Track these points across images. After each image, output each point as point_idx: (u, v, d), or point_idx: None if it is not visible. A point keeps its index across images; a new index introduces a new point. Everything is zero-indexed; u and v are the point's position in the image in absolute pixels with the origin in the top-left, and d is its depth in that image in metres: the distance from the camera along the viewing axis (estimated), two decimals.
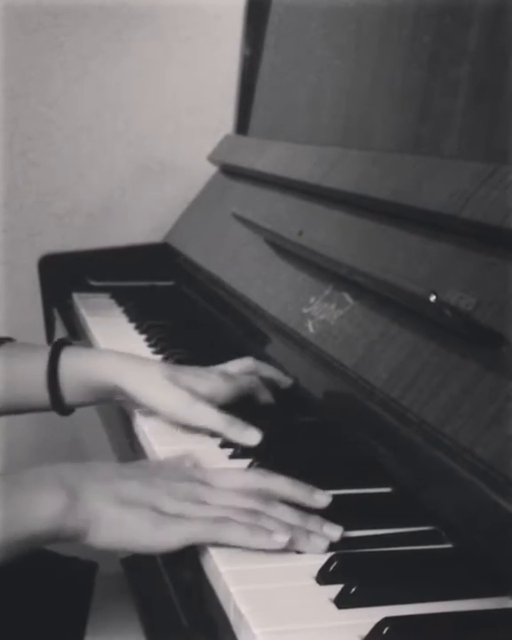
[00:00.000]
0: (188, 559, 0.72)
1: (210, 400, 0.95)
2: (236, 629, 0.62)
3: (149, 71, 1.98)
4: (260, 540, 0.69)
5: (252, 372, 1.04)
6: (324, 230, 1.10)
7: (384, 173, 1.01)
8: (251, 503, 0.73)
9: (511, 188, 0.78)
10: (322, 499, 0.75)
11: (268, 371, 1.06)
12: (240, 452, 0.88)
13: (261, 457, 0.85)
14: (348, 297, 0.96)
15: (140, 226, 1.98)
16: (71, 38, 1.93)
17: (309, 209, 1.19)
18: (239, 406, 0.98)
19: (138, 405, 0.99)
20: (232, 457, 0.88)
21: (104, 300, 1.58)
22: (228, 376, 1.00)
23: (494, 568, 0.65)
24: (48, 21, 1.90)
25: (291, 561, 0.68)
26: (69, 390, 1.00)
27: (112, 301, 1.56)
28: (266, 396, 1.03)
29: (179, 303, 1.55)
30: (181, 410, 0.94)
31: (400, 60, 1.11)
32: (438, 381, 0.75)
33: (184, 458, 0.84)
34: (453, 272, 0.82)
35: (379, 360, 0.84)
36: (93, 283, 1.64)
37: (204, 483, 0.77)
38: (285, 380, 1.05)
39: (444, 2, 1.02)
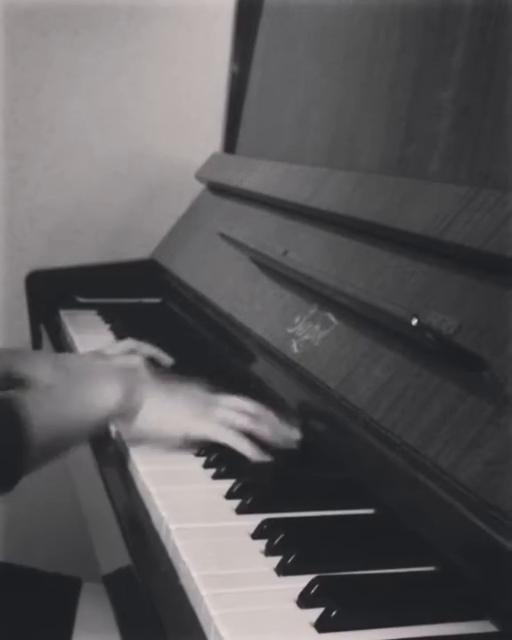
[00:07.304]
0: (170, 581, 0.72)
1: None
2: None
3: (139, 88, 1.99)
4: (244, 446, 0.91)
5: (131, 351, 1.22)
6: (309, 250, 1.10)
7: (369, 195, 1.01)
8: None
9: (493, 212, 0.79)
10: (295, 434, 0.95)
11: (146, 349, 1.23)
12: (223, 471, 0.89)
13: (243, 476, 0.86)
14: (332, 317, 0.96)
15: (128, 242, 1.98)
16: (61, 55, 1.94)
17: (295, 228, 1.19)
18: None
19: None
20: (215, 477, 0.89)
21: (91, 316, 1.58)
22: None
23: (475, 591, 0.65)
24: (38, 38, 1.91)
25: (272, 584, 0.68)
26: None
27: (99, 318, 1.56)
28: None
29: (165, 320, 1.55)
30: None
31: (386, 82, 1.12)
32: (420, 404, 0.75)
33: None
34: (436, 294, 0.82)
35: (362, 381, 0.84)
36: (81, 299, 1.64)
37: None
38: (166, 359, 1.24)
39: (430, 24, 1.02)
